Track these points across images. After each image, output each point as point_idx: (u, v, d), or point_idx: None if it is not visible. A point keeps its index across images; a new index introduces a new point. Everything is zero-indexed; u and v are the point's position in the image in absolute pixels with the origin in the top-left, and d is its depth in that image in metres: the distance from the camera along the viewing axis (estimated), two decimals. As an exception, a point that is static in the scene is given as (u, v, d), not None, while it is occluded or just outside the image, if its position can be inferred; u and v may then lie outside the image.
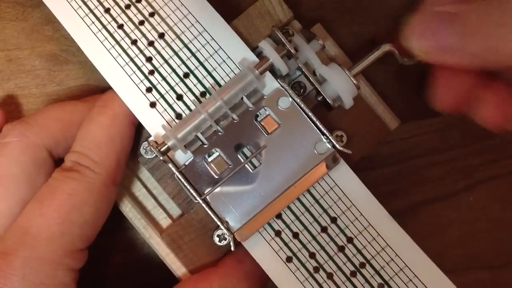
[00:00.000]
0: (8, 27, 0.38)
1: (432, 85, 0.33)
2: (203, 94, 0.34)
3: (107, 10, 0.35)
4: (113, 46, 0.34)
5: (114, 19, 0.35)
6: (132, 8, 0.35)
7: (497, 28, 0.27)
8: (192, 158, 0.34)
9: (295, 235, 0.33)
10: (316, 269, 0.33)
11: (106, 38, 0.34)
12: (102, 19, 0.35)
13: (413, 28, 0.31)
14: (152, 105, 0.34)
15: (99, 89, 0.37)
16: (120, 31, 0.34)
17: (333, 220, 0.33)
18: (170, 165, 0.33)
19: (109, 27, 0.34)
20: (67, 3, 0.35)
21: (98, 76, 0.34)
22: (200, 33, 0.34)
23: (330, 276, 0.33)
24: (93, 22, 0.34)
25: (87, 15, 0.34)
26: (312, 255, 0.33)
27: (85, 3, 0.35)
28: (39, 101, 0.38)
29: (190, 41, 0.34)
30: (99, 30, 0.34)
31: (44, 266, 0.31)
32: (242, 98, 0.33)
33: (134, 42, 0.34)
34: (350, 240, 0.33)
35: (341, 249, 0.33)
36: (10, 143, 0.33)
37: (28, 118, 0.34)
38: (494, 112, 0.32)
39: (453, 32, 0.29)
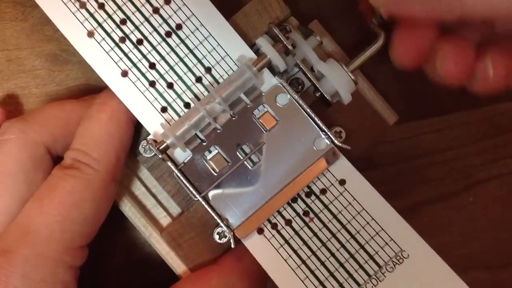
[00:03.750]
0: (8, 27, 0.38)
1: (393, 40, 0.33)
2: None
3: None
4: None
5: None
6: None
7: None
8: (191, 156, 0.34)
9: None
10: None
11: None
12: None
13: None
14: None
15: (99, 89, 0.37)
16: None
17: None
18: (169, 163, 0.33)
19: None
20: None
21: (98, 76, 0.34)
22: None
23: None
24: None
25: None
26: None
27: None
28: (39, 101, 0.39)
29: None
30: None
31: (44, 264, 0.31)
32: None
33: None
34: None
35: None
36: (8, 140, 0.33)
37: (26, 115, 0.34)
38: (452, 64, 0.33)
39: None
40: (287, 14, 0.35)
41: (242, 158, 0.34)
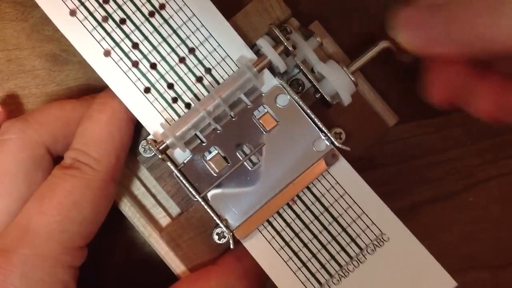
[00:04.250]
0: (8, 27, 0.38)
1: (426, 79, 0.33)
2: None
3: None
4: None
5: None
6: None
7: (479, 15, 0.27)
8: (190, 156, 0.34)
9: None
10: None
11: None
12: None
13: (400, 20, 0.31)
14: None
15: (99, 89, 0.37)
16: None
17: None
18: (169, 164, 0.33)
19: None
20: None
21: (98, 76, 0.33)
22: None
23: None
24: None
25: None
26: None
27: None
28: (39, 101, 0.39)
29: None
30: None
31: (43, 263, 0.31)
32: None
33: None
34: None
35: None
36: (8, 140, 0.33)
37: (27, 115, 0.34)
38: (488, 104, 0.32)
39: (438, 21, 0.29)
40: (287, 15, 0.35)
41: (242, 158, 0.34)
